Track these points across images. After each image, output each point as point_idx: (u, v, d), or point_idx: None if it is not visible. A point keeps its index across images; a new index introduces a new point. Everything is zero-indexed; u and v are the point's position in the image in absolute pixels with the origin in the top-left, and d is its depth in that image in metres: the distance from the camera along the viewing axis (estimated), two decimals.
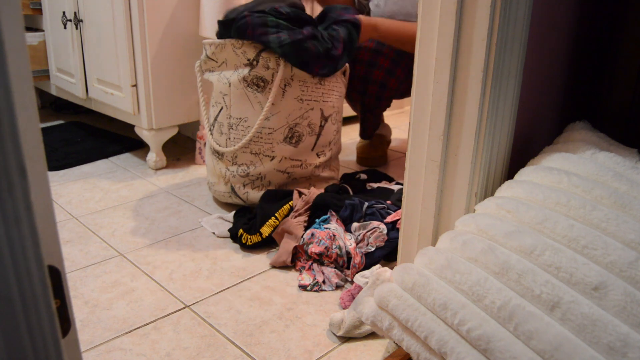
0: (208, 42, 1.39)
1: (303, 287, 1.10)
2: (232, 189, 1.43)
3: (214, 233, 1.35)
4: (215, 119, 1.43)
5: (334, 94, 1.44)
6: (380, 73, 1.62)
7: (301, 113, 1.38)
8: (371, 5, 1.74)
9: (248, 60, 1.33)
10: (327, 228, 1.19)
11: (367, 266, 1.14)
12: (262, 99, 1.35)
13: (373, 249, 1.15)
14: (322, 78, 1.38)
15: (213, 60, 1.40)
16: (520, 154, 0.95)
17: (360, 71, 1.63)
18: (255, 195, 1.41)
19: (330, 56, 1.34)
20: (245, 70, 1.34)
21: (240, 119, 1.37)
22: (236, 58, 1.35)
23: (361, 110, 1.74)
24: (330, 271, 1.13)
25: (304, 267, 1.15)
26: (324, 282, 1.11)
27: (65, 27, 1.94)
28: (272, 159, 1.39)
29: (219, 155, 1.43)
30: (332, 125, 1.47)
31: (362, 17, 1.47)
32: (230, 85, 1.36)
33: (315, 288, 1.10)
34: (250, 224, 1.31)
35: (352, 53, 1.41)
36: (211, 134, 1.45)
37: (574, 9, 0.99)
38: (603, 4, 1.07)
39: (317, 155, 1.45)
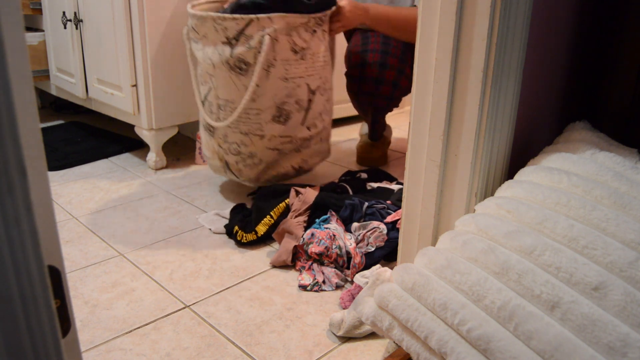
0: (191, 13, 1.37)
1: (303, 287, 1.10)
2: (227, 164, 1.47)
3: (210, 229, 1.35)
4: (206, 98, 1.44)
5: (318, 64, 1.41)
6: (392, 73, 1.62)
7: (287, 92, 1.37)
8: None
9: (227, 38, 1.31)
10: (327, 228, 1.19)
11: (367, 266, 1.14)
12: (246, 81, 1.34)
13: (373, 249, 1.15)
14: (303, 54, 1.35)
15: (195, 31, 1.39)
16: (520, 154, 0.95)
17: (372, 73, 1.62)
18: (248, 172, 1.45)
19: None
20: (227, 51, 1.32)
21: (227, 100, 1.38)
22: (215, 34, 1.32)
23: (372, 112, 1.74)
24: (330, 271, 1.13)
25: (304, 267, 1.15)
26: (324, 282, 1.11)
27: (65, 27, 1.94)
28: (262, 138, 1.40)
29: (211, 131, 1.45)
30: (321, 97, 1.45)
31: (353, 1, 1.47)
32: (214, 67, 1.36)
33: (315, 288, 1.10)
34: (246, 221, 1.32)
35: None
36: (204, 108, 1.47)
37: (574, 9, 0.99)
38: (603, 4, 1.07)
39: (308, 128, 1.45)
